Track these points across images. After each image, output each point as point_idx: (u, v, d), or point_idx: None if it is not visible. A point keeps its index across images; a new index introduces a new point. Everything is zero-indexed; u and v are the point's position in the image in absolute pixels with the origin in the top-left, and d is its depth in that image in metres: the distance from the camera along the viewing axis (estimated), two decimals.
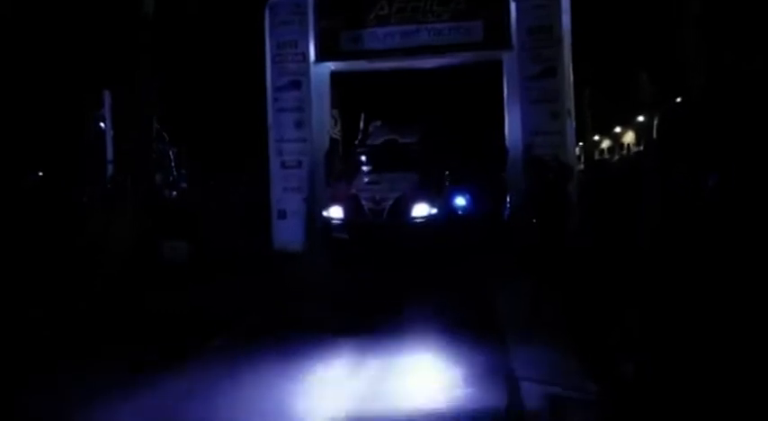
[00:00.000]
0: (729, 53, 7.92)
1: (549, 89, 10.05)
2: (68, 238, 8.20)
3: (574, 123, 10.49)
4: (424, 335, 5.38)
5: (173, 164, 14.46)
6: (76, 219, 8.77)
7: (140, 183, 9.70)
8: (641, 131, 26.20)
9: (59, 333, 5.61)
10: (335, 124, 12.31)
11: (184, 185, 14.59)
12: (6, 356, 4.98)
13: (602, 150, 32.72)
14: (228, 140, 17.12)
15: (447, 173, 10.02)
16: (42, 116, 17.12)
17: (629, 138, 30.08)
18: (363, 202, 8.98)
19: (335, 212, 9.20)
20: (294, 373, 4.49)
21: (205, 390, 4.21)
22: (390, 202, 8.86)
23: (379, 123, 11.49)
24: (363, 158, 10.49)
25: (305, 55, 10.81)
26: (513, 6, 10.18)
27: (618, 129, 31.09)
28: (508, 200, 10.77)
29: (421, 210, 8.88)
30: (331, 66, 11.27)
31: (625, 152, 27.90)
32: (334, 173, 10.47)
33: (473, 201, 10.30)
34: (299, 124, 10.76)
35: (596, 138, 33.65)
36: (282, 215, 10.70)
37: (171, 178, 14.21)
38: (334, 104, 11.85)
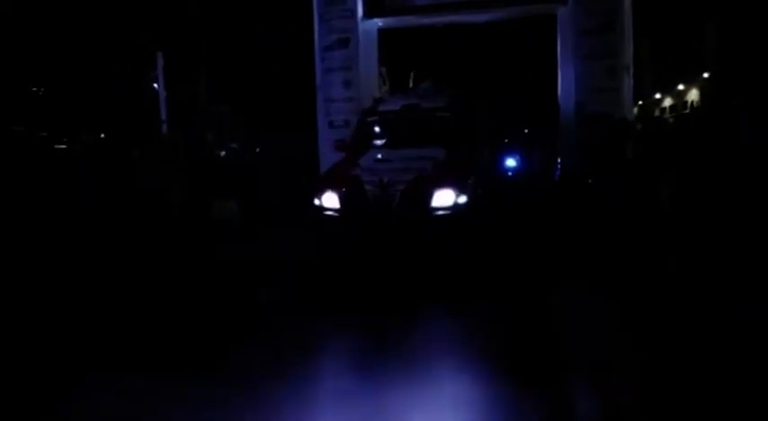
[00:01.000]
0: None
1: (606, 44, 9.58)
2: (126, 195, 8.58)
3: (632, 81, 10.03)
4: None
5: (223, 124, 14.75)
6: (133, 177, 9.11)
7: (192, 142, 9.94)
8: (706, 89, 24.82)
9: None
10: (384, 83, 12.14)
11: (235, 145, 14.87)
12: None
13: (664, 109, 31.18)
14: (278, 101, 17.28)
15: (485, 145, 7.97)
16: (102, 78, 17.76)
17: (692, 96, 28.46)
18: (367, 188, 6.42)
19: (329, 201, 6.64)
20: None
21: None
22: (401, 188, 6.25)
23: (427, 84, 9.77)
24: (376, 130, 7.97)
25: (353, 11, 10.67)
26: None
27: (681, 87, 29.46)
28: (559, 161, 10.49)
29: (444, 198, 6.20)
30: (379, 22, 11.10)
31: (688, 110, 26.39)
32: (343, 142, 8.37)
33: (521, 163, 10.01)
34: (347, 84, 10.70)
35: (657, 96, 32.14)
36: None
37: (221, 138, 14.50)
38: (382, 62, 11.68)
